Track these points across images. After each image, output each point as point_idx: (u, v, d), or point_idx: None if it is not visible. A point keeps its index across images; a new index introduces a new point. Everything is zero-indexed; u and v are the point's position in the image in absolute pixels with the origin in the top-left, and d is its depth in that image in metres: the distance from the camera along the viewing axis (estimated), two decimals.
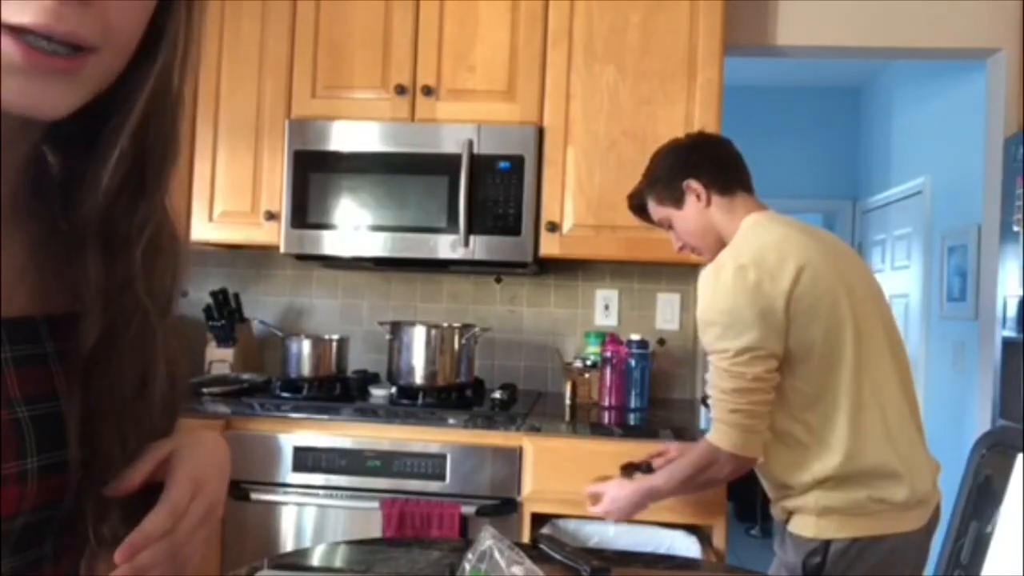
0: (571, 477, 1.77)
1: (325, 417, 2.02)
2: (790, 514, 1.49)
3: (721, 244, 1.58)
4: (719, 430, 1.44)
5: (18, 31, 0.42)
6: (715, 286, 1.46)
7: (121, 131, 0.51)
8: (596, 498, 1.63)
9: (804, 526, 1.45)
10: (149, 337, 0.56)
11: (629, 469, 1.71)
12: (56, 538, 0.55)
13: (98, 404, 0.55)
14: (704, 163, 1.61)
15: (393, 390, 2.24)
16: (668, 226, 1.68)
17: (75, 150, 0.53)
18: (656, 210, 1.68)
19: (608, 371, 2.33)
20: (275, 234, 2.30)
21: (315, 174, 2.23)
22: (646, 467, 1.71)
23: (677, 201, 1.63)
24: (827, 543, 1.41)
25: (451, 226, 2.18)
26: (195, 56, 0.55)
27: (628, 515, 1.58)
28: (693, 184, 1.59)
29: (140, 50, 0.51)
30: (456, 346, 2.23)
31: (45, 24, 0.42)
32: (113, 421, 0.55)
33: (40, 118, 0.46)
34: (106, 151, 0.51)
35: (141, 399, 0.57)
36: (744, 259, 1.45)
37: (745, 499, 4.56)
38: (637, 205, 1.74)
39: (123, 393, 0.56)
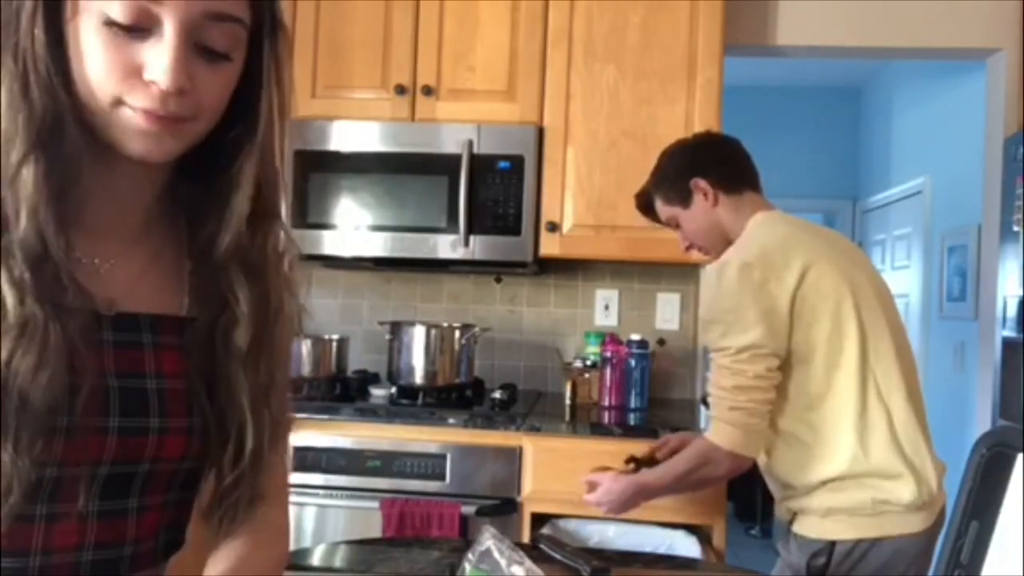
0: (571, 477, 1.77)
1: (325, 417, 2.02)
2: (795, 514, 1.49)
3: (728, 243, 1.57)
4: (718, 428, 1.43)
5: (136, 109, 0.61)
6: (719, 284, 1.45)
7: (242, 177, 0.69)
8: (592, 486, 1.62)
9: (809, 527, 1.44)
10: (276, 339, 0.72)
11: (632, 462, 1.70)
12: (139, 496, 0.68)
13: (252, 395, 0.70)
14: (711, 162, 1.61)
15: (393, 390, 2.24)
16: (675, 225, 1.68)
17: (199, 185, 0.71)
18: (663, 209, 1.68)
19: (608, 371, 2.33)
20: None
21: (315, 174, 2.23)
22: (649, 460, 1.70)
23: (684, 200, 1.63)
24: (832, 544, 1.40)
25: (451, 226, 2.18)
26: (288, 104, 0.71)
27: (621, 509, 1.57)
28: (700, 183, 1.59)
29: (244, 107, 0.68)
30: (456, 346, 2.23)
31: (156, 108, 0.61)
32: (256, 408, 0.70)
33: (154, 161, 0.64)
34: (234, 194, 0.69)
35: (273, 391, 0.72)
36: (749, 257, 1.45)
37: (745, 499, 4.56)
38: (644, 204, 1.73)
39: (261, 384, 0.71)
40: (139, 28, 0.60)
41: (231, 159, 0.69)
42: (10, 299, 0.58)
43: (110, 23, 0.59)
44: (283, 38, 0.70)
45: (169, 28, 0.60)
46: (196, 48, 0.62)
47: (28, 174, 0.59)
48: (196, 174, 0.71)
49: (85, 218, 0.66)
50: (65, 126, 0.61)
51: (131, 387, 0.66)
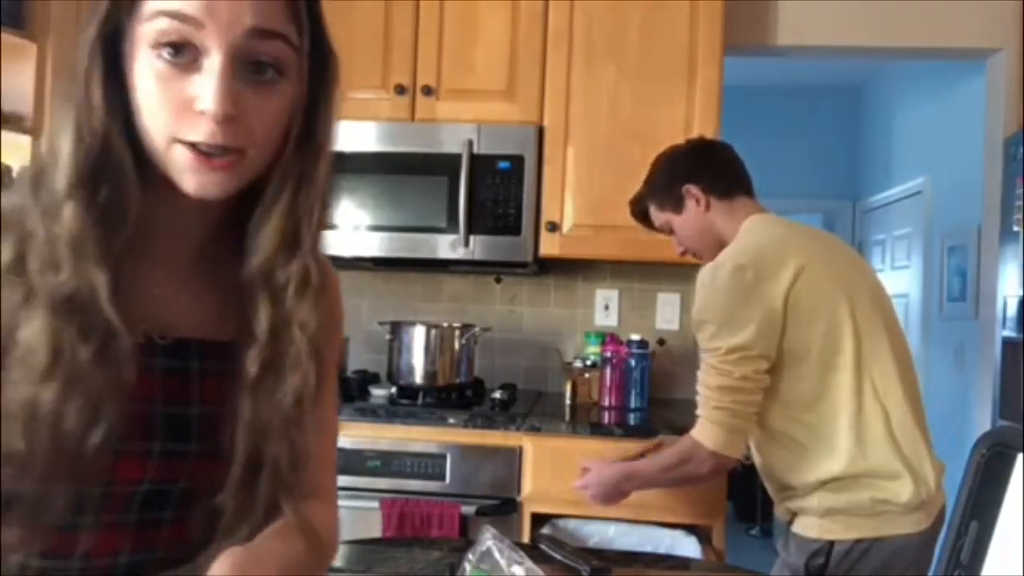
0: (571, 477, 1.77)
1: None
2: (794, 515, 1.49)
3: (722, 248, 1.58)
4: (702, 427, 1.45)
5: (192, 145, 0.63)
6: (712, 285, 1.46)
7: (272, 210, 0.70)
8: (585, 471, 1.65)
9: (808, 527, 1.45)
10: (300, 366, 0.71)
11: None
12: (175, 509, 0.71)
13: (264, 417, 0.70)
14: (703, 168, 1.63)
15: (393, 390, 2.24)
16: (669, 231, 1.70)
17: (249, 217, 0.72)
18: (657, 216, 1.70)
19: (608, 371, 2.33)
20: None
21: None
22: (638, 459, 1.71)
23: (677, 206, 1.64)
24: (831, 544, 1.41)
25: (451, 226, 2.18)
26: (335, 137, 0.73)
27: (608, 496, 1.59)
28: (692, 189, 1.61)
29: (291, 139, 0.69)
30: (456, 346, 2.23)
31: (207, 141, 0.62)
32: (276, 431, 0.71)
33: (211, 199, 0.66)
34: (263, 225, 0.70)
35: (297, 415, 0.71)
36: (742, 259, 1.45)
37: (745, 499, 4.56)
38: (639, 211, 1.75)
39: (283, 409, 0.71)
40: (187, 54, 0.62)
41: (273, 189, 0.70)
42: (46, 342, 0.60)
43: (160, 45, 0.62)
44: (333, 66, 0.72)
45: (214, 55, 0.62)
46: (246, 72, 0.64)
47: (73, 211, 0.62)
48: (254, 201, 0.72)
49: (142, 247, 0.68)
50: (116, 166, 0.64)
51: (175, 413, 0.70)
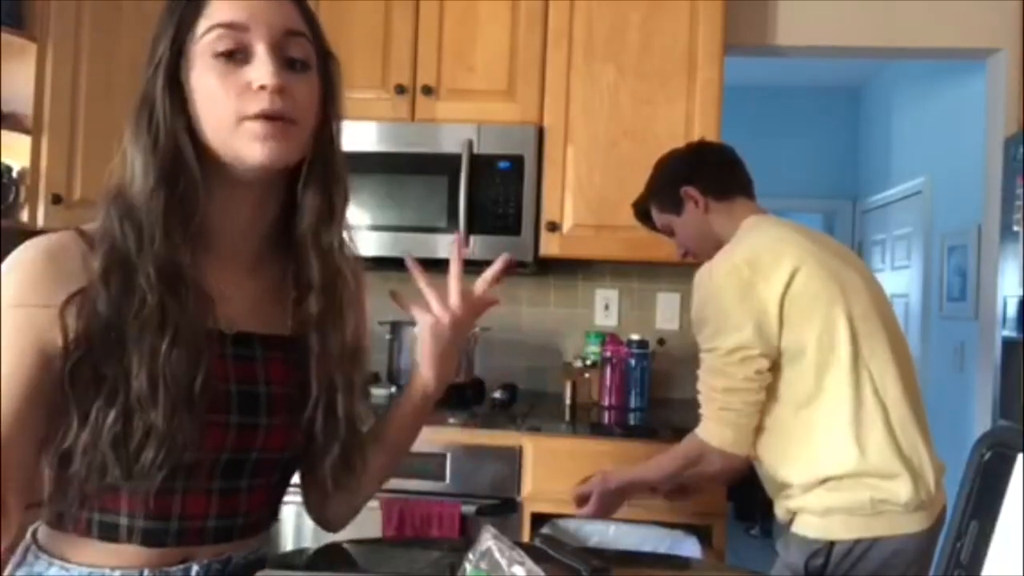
0: (571, 477, 1.77)
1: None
2: (793, 514, 1.49)
3: (721, 248, 1.58)
4: (709, 427, 1.45)
5: (256, 117, 0.77)
6: (709, 285, 1.47)
7: (316, 180, 0.85)
8: (581, 500, 1.62)
9: (807, 526, 1.44)
10: (349, 314, 0.89)
11: None
12: (249, 478, 0.85)
13: (330, 348, 0.87)
14: (701, 170, 1.64)
15: (393, 390, 2.24)
16: (670, 233, 1.72)
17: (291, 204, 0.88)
18: (658, 217, 1.72)
19: (608, 371, 2.33)
20: None
21: None
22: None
23: (677, 208, 1.66)
24: (830, 544, 1.40)
25: (451, 226, 2.17)
26: (340, 116, 0.88)
27: (614, 509, 1.61)
28: (691, 191, 1.63)
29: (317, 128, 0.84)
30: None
31: (266, 109, 0.77)
32: (337, 377, 0.88)
33: (272, 165, 0.79)
34: (310, 196, 0.85)
35: (354, 358, 0.90)
36: (739, 259, 1.46)
37: (745, 499, 4.56)
38: (641, 212, 1.78)
39: (341, 353, 0.88)
40: (239, 55, 0.77)
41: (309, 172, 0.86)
42: (150, 294, 0.75)
43: (217, 55, 0.77)
44: (334, 65, 0.87)
45: (260, 47, 0.78)
46: (283, 62, 0.79)
47: (157, 204, 0.76)
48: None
49: (211, 246, 0.83)
50: (186, 163, 0.77)
51: (246, 391, 0.84)
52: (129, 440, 0.73)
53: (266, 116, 0.77)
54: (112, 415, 0.73)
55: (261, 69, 0.77)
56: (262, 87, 0.77)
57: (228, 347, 0.83)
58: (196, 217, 0.79)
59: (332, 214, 0.87)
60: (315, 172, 0.85)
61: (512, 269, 2.41)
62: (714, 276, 1.47)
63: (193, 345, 0.76)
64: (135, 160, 0.78)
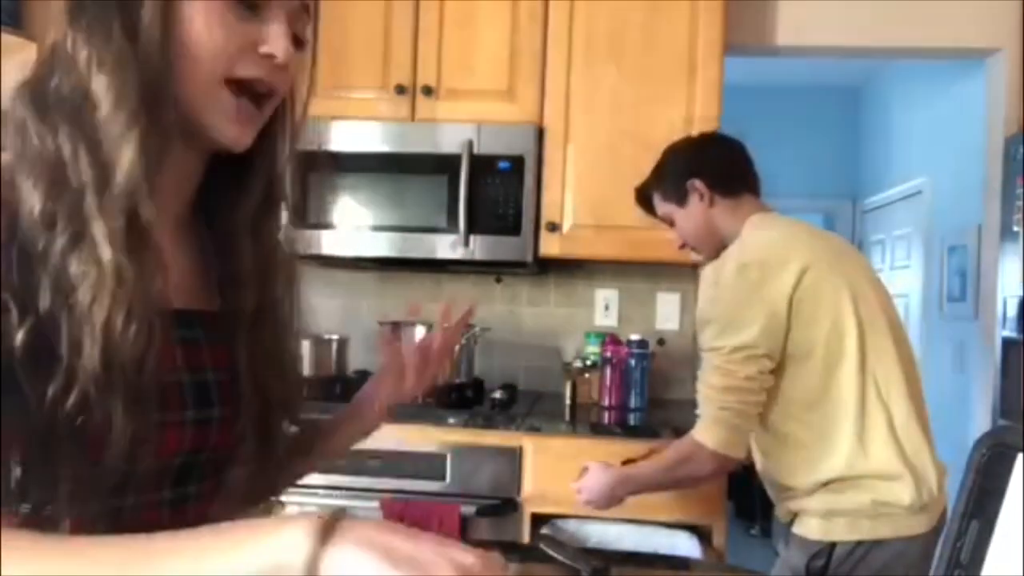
0: (571, 477, 1.77)
1: (325, 417, 2.01)
2: (794, 515, 1.49)
3: (722, 245, 1.58)
4: (705, 427, 1.44)
5: (240, 88, 0.69)
6: (716, 284, 1.46)
7: (268, 167, 0.76)
8: (583, 473, 1.64)
9: (809, 527, 1.44)
10: (284, 304, 0.80)
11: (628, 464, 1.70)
12: (198, 483, 0.73)
13: (259, 353, 0.76)
14: (710, 164, 1.62)
15: None
16: (670, 223, 1.69)
17: (223, 176, 0.77)
18: (660, 206, 1.69)
19: (608, 371, 2.33)
20: None
21: (315, 174, 2.23)
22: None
23: (681, 199, 1.63)
24: (832, 545, 1.40)
25: (451, 226, 2.17)
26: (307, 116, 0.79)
27: (604, 500, 1.58)
28: (697, 184, 1.60)
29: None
30: (456, 346, 2.23)
31: (262, 79, 0.70)
32: (271, 366, 0.77)
33: (236, 148, 0.71)
34: (255, 180, 0.77)
35: (286, 350, 0.81)
36: (747, 258, 1.45)
37: (745, 499, 4.55)
38: (644, 197, 1.74)
39: (276, 344, 0.78)
40: (255, 5, 0.68)
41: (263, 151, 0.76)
42: (107, 252, 0.60)
43: None
44: (306, 56, 0.79)
45: (280, 14, 0.70)
46: (291, 38, 0.71)
47: (133, 137, 0.62)
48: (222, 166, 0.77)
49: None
50: (168, 97, 0.65)
51: (198, 381, 0.72)
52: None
53: (256, 92, 0.70)
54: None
55: (280, 41, 0.69)
56: (271, 56, 0.69)
57: (174, 328, 0.68)
58: (163, 161, 0.66)
59: (274, 204, 0.79)
60: (267, 158, 0.77)
61: (510, 270, 2.41)
62: (721, 276, 1.46)
63: (145, 323, 0.61)
64: (96, 58, 0.63)
